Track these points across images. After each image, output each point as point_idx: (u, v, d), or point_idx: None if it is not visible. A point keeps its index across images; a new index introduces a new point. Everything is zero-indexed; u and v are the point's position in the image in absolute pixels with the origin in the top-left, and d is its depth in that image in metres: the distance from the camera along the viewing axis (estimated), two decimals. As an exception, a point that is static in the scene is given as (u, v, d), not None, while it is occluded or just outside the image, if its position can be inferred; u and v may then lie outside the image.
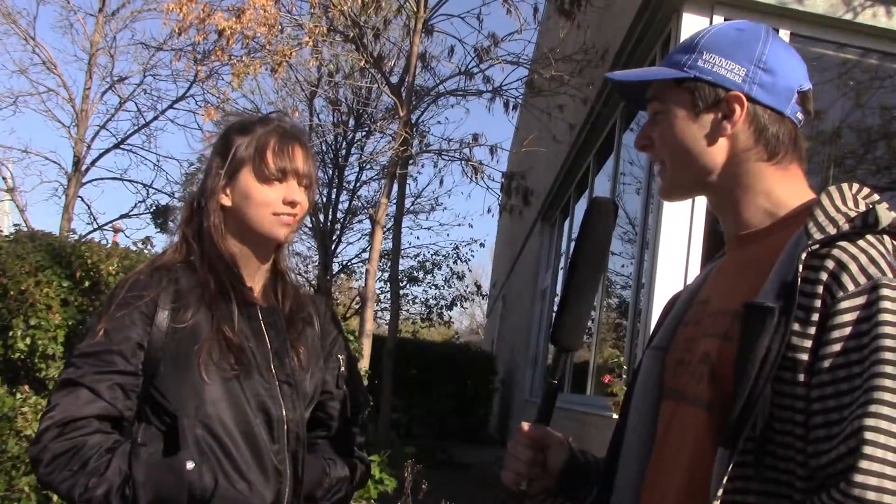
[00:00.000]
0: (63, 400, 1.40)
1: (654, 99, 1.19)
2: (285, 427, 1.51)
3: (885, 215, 0.98)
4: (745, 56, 1.13)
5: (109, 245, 5.22)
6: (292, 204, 1.56)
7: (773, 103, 1.12)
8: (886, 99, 5.16)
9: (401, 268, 14.37)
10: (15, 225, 5.80)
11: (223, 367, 1.46)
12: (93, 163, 15.08)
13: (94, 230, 14.84)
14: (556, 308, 1.32)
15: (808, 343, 0.95)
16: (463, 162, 9.12)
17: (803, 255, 0.97)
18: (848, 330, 0.93)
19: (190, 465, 1.38)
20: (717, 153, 1.14)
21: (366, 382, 6.10)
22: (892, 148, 5.20)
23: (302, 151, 1.58)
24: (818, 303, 0.95)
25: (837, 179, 5.07)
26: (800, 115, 1.15)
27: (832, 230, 0.98)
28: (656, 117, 1.19)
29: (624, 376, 4.97)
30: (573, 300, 1.26)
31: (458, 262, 17.56)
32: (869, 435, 0.86)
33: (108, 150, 15.31)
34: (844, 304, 0.93)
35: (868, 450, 0.86)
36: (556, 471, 1.29)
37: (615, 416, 3.85)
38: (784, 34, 4.64)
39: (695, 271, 4.53)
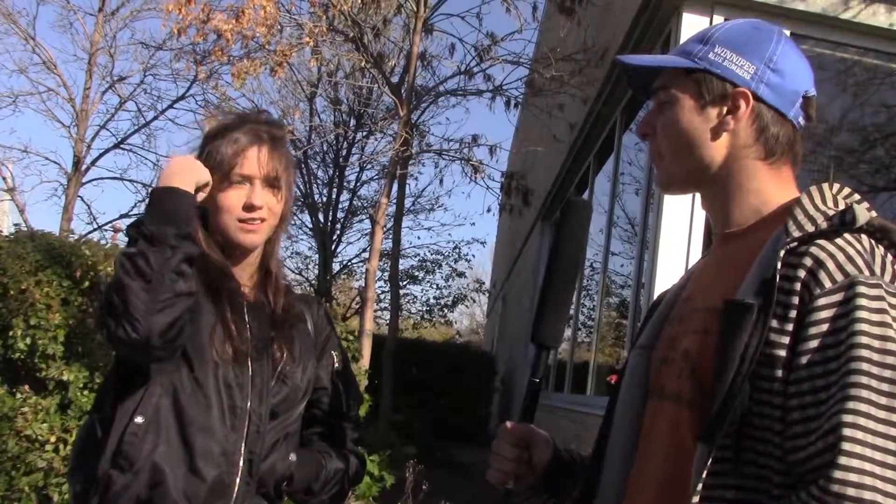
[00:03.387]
0: None
1: (662, 88, 1.19)
2: (247, 418, 1.51)
3: (863, 214, 0.99)
4: (756, 54, 1.13)
5: (109, 245, 5.23)
6: (251, 207, 1.54)
7: (778, 104, 1.13)
8: (886, 98, 5.15)
9: (401, 268, 14.37)
10: (15, 225, 5.80)
11: (204, 354, 1.49)
12: (93, 163, 15.05)
13: (94, 230, 14.79)
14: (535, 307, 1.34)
15: (786, 339, 0.96)
16: (463, 162, 9.11)
17: (782, 253, 0.98)
18: (825, 327, 0.94)
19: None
20: (718, 147, 1.14)
21: (366, 382, 6.11)
22: (892, 147, 5.19)
23: (270, 152, 1.56)
24: (796, 300, 0.96)
25: (836, 179, 5.06)
26: (801, 120, 1.16)
27: (810, 228, 1.00)
28: (662, 107, 1.19)
29: None
30: (552, 299, 1.28)
31: (460, 259, 17.52)
32: (847, 431, 0.87)
33: (108, 150, 15.27)
34: (822, 301, 0.95)
35: (847, 446, 0.87)
36: (542, 468, 1.30)
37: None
38: (783, 34, 4.63)
39: (694, 271, 4.52)
